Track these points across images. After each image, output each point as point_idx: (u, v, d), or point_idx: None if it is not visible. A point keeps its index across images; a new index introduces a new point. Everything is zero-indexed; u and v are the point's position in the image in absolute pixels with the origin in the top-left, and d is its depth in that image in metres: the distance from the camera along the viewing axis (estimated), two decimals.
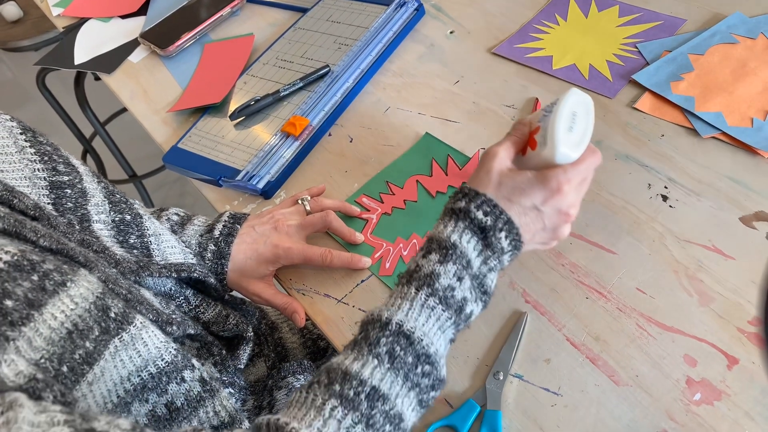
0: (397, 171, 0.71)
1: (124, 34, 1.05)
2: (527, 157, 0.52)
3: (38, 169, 0.48)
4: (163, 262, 0.54)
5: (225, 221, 0.65)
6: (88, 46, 1.05)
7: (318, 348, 0.74)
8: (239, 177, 0.74)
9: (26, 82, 2.79)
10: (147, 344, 0.43)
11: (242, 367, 0.61)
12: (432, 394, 0.45)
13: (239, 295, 0.66)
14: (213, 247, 0.63)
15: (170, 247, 0.57)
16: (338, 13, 0.91)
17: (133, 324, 0.42)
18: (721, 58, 0.70)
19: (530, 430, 0.51)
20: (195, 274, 0.56)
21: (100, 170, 1.99)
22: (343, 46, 0.86)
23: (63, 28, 1.12)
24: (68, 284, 0.39)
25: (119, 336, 0.41)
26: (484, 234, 0.47)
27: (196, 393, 0.46)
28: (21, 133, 0.48)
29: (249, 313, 0.66)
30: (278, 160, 0.75)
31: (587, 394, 0.51)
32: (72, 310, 0.38)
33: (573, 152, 0.48)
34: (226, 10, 1.00)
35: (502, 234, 0.47)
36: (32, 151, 0.48)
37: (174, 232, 0.64)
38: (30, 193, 0.46)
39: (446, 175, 0.69)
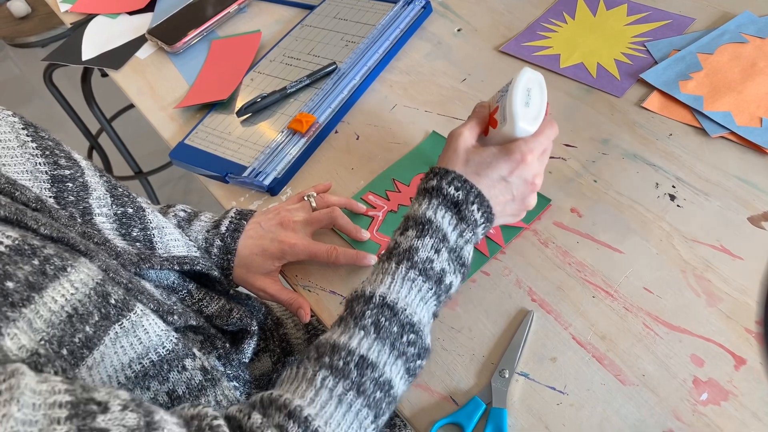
0: (403, 169, 0.71)
1: (132, 30, 1.05)
2: (489, 136, 0.55)
3: (40, 163, 0.48)
4: (165, 255, 0.54)
5: (231, 217, 0.65)
6: (95, 42, 1.05)
7: None
8: (246, 173, 0.74)
9: (33, 78, 2.81)
10: (148, 332, 0.43)
11: (246, 361, 0.61)
12: (419, 362, 0.47)
13: (245, 291, 0.66)
14: (219, 243, 0.63)
15: (173, 240, 0.57)
16: (345, 11, 0.91)
17: (134, 311, 0.42)
18: (730, 58, 0.69)
19: (536, 429, 0.50)
20: (198, 267, 0.56)
21: (106, 166, 2.00)
22: (350, 44, 0.86)
23: (71, 24, 1.12)
24: (69, 269, 0.39)
25: (119, 322, 0.41)
26: (457, 208, 0.50)
27: (197, 382, 0.46)
28: (23, 128, 0.48)
29: (254, 309, 0.66)
30: (285, 157, 0.75)
31: (593, 393, 0.51)
32: (72, 294, 0.39)
33: (531, 126, 0.52)
34: (234, 6, 1.00)
35: (474, 207, 0.50)
36: (34, 145, 0.48)
37: (181, 228, 0.64)
38: (32, 187, 0.46)
39: None
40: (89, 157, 2.03)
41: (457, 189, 0.50)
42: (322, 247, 0.62)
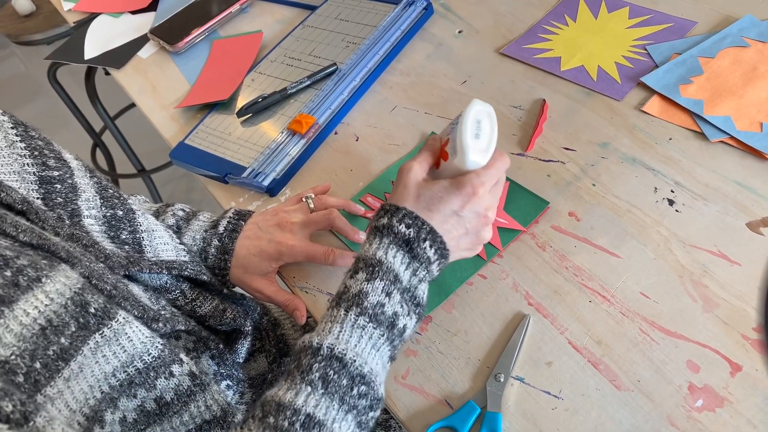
0: None
1: (134, 29, 1.05)
2: (441, 169, 0.54)
3: (28, 164, 0.47)
4: (154, 259, 0.54)
5: (230, 218, 0.65)
6: (98, 41, 1.06)
7: None
8: (245, 174, 0.74)
9: (38, 75, 2.82)
10: (132, 339, 0.42)
11: (240, 361, 0.61)
12: (371, 414, 0.44)
13: (240, 290, 0.66)
14: (217, 243, 0.63)
15: (163, 244, 0.57)
16: (347, 11, 0.91)
17: (115, 319, 0.41)
18: (731, 62, 0.69)
19: None
20: (186, 273, 0.56)
21: (110, 164, 2.01)
22: (351, 45, 0.86)
23: (74, 23, 1.12)
24: (43, 280, 0.38)
25: (100, 331, 0.40)
26: (409, 246, 0.48)
27: (185, 387, 0.45)
28: (12, 128, 0.48)
29: (249, 309, 0.67)
30: (284, 158, 0.75)
31: (588, 398, 0.51)
32: (46, 306, 0.38)
33: (481, 158, 0.51)
34: (236, 7, 1.00)
35: (426, 244, 0.48)
36: (22, 145, 0.48)
37: (179, 227, 0.65)
38: (19, 188, 0.46)
39: None
40: (93, 154, 2.03)
41: (408, 226, 0.48)
42: (320, 248, 0.62)
